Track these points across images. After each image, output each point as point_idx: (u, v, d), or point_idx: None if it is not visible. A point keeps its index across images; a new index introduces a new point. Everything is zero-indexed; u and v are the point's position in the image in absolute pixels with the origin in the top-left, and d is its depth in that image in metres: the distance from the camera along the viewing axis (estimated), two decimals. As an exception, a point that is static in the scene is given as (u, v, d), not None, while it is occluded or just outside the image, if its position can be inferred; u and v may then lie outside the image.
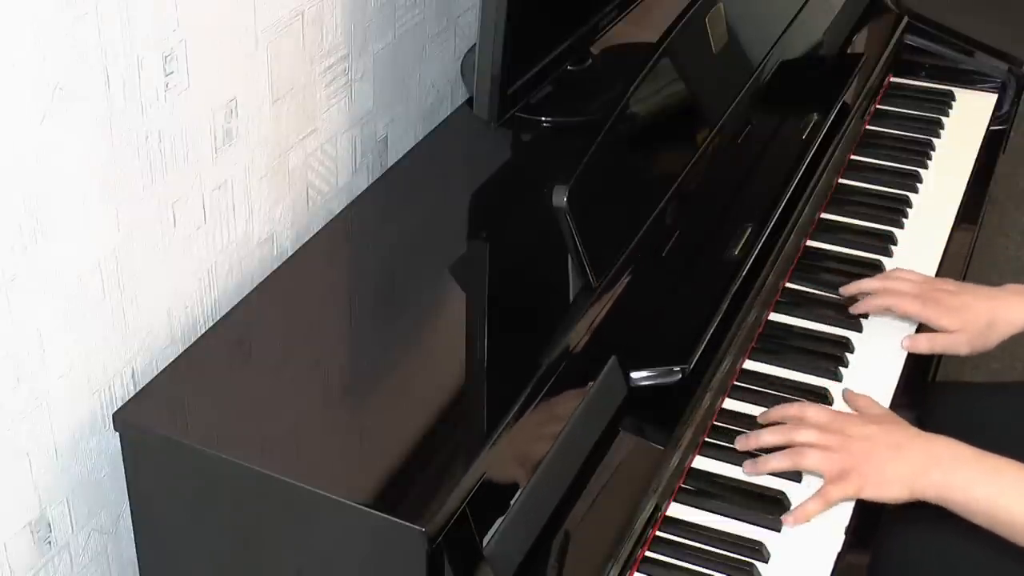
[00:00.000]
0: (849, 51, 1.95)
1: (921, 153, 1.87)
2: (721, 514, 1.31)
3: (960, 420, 1.51)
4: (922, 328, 1.53)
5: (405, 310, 1.36)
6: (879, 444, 1.30)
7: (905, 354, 1.51)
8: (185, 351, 1.28)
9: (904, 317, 1.52)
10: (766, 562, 1.27)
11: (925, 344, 1.51)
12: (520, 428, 1.20)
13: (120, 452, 1.22)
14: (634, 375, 1.33)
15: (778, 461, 1.33)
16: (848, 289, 1.56)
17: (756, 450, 1.36)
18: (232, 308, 1.33)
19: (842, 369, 1.49)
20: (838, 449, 1.31)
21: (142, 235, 1.23)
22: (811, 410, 1.36)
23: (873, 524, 1.35)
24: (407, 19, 1.59)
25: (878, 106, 1.96)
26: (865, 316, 1.55)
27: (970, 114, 1.97)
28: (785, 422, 1.36)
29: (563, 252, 1.34)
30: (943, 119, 1.94)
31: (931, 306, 1.49)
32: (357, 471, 1.16)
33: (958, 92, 2.00)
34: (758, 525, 1.30)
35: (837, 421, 1.34)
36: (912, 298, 1.51)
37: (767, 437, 1.35)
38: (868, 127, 1.92)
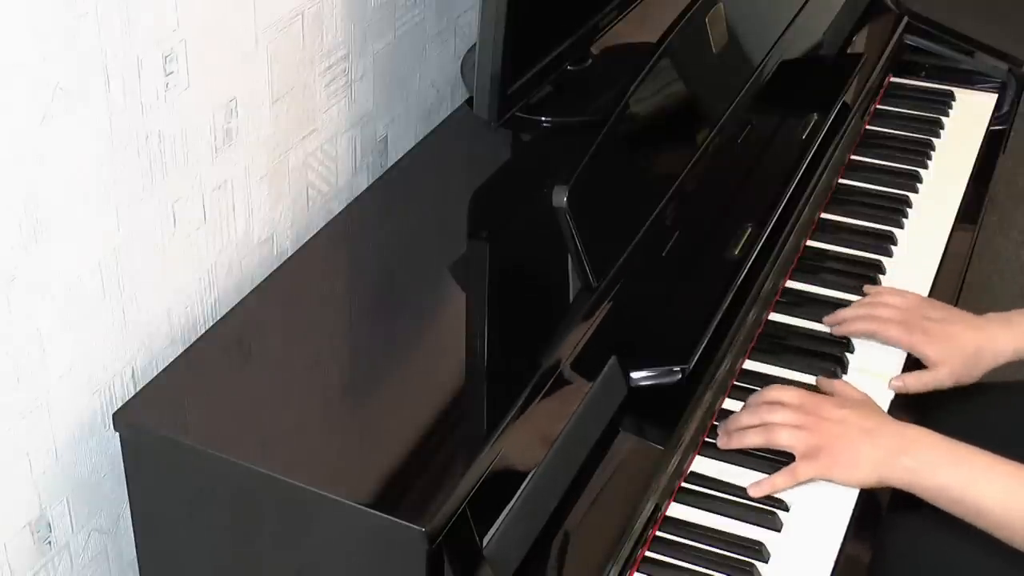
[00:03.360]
0: (849, 51, 1.95)
1: (921, 153, 1.87)
2: (721, 514, 1.31)
3: (960, 420, 1.51)
4: (908, 366, 1.51)
5: (405, 310, 1.36)
6: (852, 427, 1.33)
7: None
8: (185, 351, 1.28)
9: (888, 344, 1.51)
10: (766, 562, 1.27)
11: (913, 382, 1.48)
12: (520, 428, 1.20)
13: (120, 452, 1.22)
14: (634, 375, 1.33)
15: (752, 437, 1.35)
16: (832, 319, 1.54)
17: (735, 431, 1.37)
18: (232, 308, 1.33)
19: (842, 369, 1.49)
20: (811, 428, 1.33)
21: (142, 235, 1.23)
22: (787, 393, 1.38)
23: (873, 523, 1.35)
24: (407, 19, 1.59)
25: (878, 106, 1.96)
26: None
27: (970, 114, 1.97)
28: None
29: (563, 252, 1.34)
30: (943, 119, 1.94)
31: (917, 334, 1.49)
32: (357, 471, 1.16)
33: (958, 92, 2.00)
34: (758, 525, 1.30)
35: (812, 403, 1.36)
36: (896, 324, 1.50)
37: (744, 418, 1.37)
38: (868, 127, 1.92)
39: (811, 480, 1.33)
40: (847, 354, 1.51)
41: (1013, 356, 1.49)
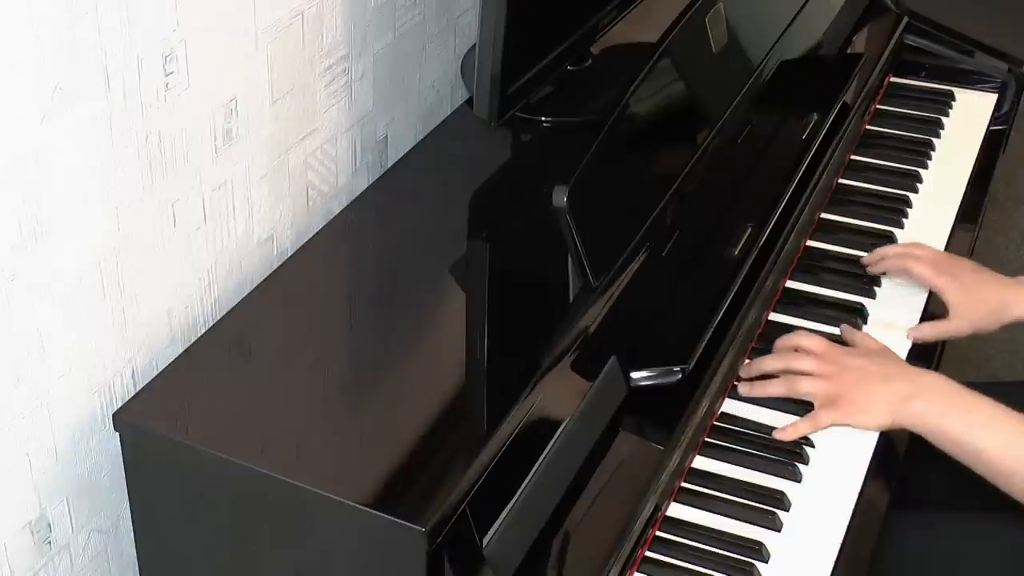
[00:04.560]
0: (849, 51, 1.95)
1: (921, 153, 1.87)
2: (721, 514, 1.31)
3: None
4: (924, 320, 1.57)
5: (405, 310, 1.36)
6: (869, 374, 1.39)
7: (905, 354, 1.51)
8: (185, 351, 1.28)
9: (917, 282, 1.57)
10: (766, 562, 1.27)
11: (929, 332, 1.54)
12: (520, 428, 1.20)
13: (120, 452, 1.22)
14: (634, 375, 1.33)
15: (775, 387, 1.41)
16: (870, 259, 1.61)
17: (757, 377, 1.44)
18: (232, 308, 1.33)
19: (842, 368, 1.49)
20: (831, 377, 1.38)
21: (142, 235, 1.23)
22: (810, 340, 1.43)
23: (874, 523, 1.35)
24: (407, 19, 1.59)
25: (878, 106, 1.96)
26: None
27: (970, 114, 1.97)
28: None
29: (563, 252, 1.34)
30: (943, 119, 1.94)
31: (945, 277, 1.54)
32: (357, 471, 1.16)
33: (958, 92, 2.00)
34: (758, 525, 1.30)
35: (833, 351, 1.42)
36: (928, 263, 1.56)
37: (769, 363, 1.43)
38: (868, 127, 1.92)
39: (832, 425, 1.38)
40: (847, 354, 1.51)
41: None
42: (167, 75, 1.20)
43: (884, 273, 1.60)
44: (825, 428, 1.38)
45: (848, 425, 1.38)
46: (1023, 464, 1.29)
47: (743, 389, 1.42)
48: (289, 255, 1.43)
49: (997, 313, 1.52)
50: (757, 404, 1.42)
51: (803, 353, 1.42)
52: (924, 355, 1.54)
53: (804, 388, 1.39)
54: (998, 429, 1.31)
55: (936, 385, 1.36)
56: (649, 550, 1.27)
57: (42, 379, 1.16)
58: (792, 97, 1.77)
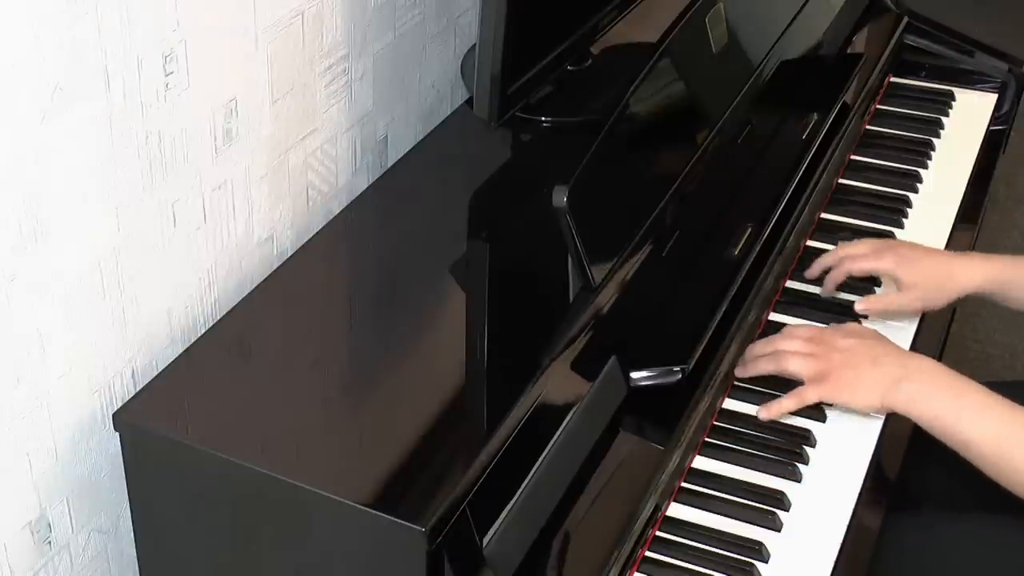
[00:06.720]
0: (849, 51, 1.95)
1: (921, 153, 1.87)
2: (721, 514, 1.31)
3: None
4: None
5: (405, 310, 1.36)
6: (859, 355, 1.38)
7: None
8: (185, 351, 1.28)
9: (861, 275, 1.55)
10: (766, 562, 1.27)
11: (875, 304, 1.53)
12: (520, 428, 1.20)
13: (120, 452, 1.22)
14: (634, 375, 1.33)
15: (764, 364, 1.41)
16: (811, 272, 1.59)
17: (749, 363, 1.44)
18: (232, 308, 1.33)
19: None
20: (820, 356, 1.38)
21: (142, 235, 1.23)
22: (798, 329, 1.45)
23: (874, 523, 1.35)
24: (407, 19, 1.59)
25: (878, 106, 1.96)
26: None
27: (970, 114, 1.97)
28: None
29: (563, 252, 1.34)
30: (943, 119, 1.94)
31: (887, 258, 1.53)
32: (357, 471, 1.16)
33: (958, 92, 2.00)
34: (758, 525, 1.30)
35: (823, 333, 1.43)
36: (866, 256, 1.54)
37: (759, 348, 1.43)
38: (868, 127, 1.92)
39: (819, 402, 1.38)
40: (847, 354, 1.51)
41: (982, 283, 1.51)
42: (167, 75, 1.20)
43: (832, 292, 1.58)
44: (811, 404, 1.39)
45: (835, 404, 1.39)
46: (1012, 451, 1.28)
47: (737, 370, 1.44)
48: (289, 255, 1.43)
49: (943, 283, 1.51)
50: (757, 404, 1.42)
51: (792, 337, 1.42)
52: (927, 349, 1.54)
53: (792, 365, 1.39)
54: (988, 416, 1.31)
55: (926, 369, 1.36)
56: (649, 550, 1.27)
57: (42, 379, 1.16)
58: (792, 97, 1.77)
